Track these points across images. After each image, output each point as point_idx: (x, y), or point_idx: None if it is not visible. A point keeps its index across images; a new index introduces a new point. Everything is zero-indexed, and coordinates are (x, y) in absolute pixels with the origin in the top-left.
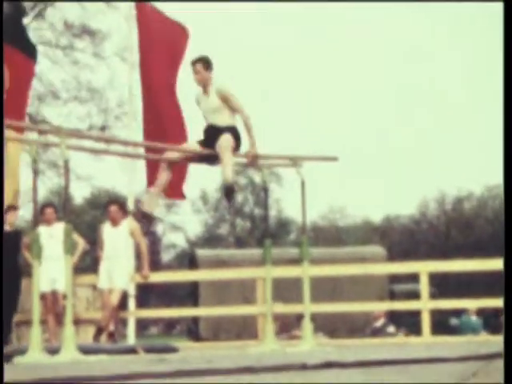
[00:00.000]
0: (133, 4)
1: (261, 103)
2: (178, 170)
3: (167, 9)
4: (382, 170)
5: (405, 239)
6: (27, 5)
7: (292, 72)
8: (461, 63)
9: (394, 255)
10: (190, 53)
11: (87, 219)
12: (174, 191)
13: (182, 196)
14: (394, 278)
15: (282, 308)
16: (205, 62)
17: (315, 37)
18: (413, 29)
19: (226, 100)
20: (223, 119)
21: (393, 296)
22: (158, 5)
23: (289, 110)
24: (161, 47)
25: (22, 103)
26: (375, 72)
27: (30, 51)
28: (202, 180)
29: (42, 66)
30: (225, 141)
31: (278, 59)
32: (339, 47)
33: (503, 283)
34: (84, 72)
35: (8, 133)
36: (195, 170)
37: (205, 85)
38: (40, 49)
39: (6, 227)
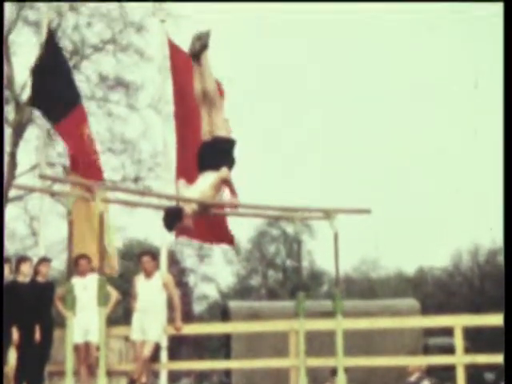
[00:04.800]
0: (167, 55)
1: (295, 156)
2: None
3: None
4: (414, 222)
5: (438, 291)
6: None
7: (323, 123)
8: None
9: (427, 307)
10: None
11: (120, 270)
12: (222, 236)
13: (230, 241)
14: (429, 332)
15: (315, 361)
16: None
17: (351, 87)
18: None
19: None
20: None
21: (427, 350)
22: None
23: (321, 163)
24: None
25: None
26: (403, 124)
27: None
28: (234, 231)
29: None
30: None
31: (309, 112)
32: (369, 98)
33: None
34: (118, 123)
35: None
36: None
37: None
38: None
39: (39, 278)
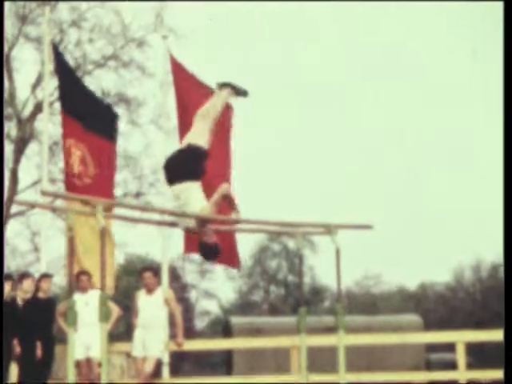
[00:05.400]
0: (168, 70)
1: (296, 171)
2: (229, 238)
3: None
4: (416, 237)
5: (440, 307)
6: None
7: (323, 136)
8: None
9: (429, 323)
10: None
11: (121, 285)
12: (229, 259)
13: (237, 264)
14: (431, 347)
15: (317, 377)
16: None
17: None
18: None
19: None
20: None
21: (429, 365)
22: None
23: (323, 177)
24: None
25: (110, 183)
26: (404, 135)
27: (110, 134)
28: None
29: None
30: None
31: (309, 123)
32: (374, 114)
33: None
34: (119, 139)
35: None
36: None
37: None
38: None
39: (41, 294)
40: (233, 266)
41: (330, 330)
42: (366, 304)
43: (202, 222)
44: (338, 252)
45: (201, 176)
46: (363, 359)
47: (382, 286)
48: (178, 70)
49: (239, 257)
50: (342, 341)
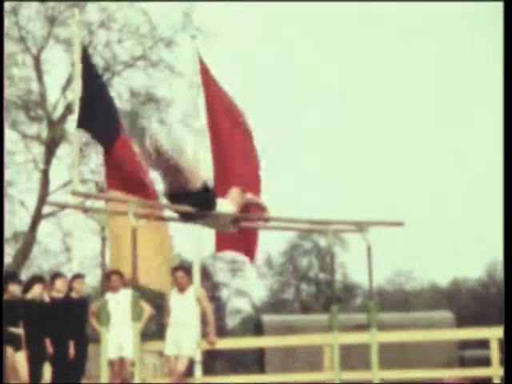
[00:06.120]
0: (197, 70)
1: (327, 169)
2: (251, 233)
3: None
4: (448, 233)
5: (473, 303)
6: None
7: (354, 134)
8: None
9: (462, 319)
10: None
11: None
12: (248, 250)
13: (252, 258)
14: (464, 344)
15: (350, 375)
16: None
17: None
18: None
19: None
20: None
21: (462, 362)
22: None
23: (354, 175)
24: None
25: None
26: (436, 133)
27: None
28: (267, 244)
29: None
30: None
31: (340, 127)
32: (402, 111)
33: None
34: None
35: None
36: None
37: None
38: None
39: (73, 294)
40: (249, 258)
41: (363, 327)
42: (398, 301)
43: (237, 221)
44: (369, 249)
45: (215, 207)
46: (396, 356)
47: (413, 283)
48: (206, 73)
49: (256, 252)
50: (374, 338)
